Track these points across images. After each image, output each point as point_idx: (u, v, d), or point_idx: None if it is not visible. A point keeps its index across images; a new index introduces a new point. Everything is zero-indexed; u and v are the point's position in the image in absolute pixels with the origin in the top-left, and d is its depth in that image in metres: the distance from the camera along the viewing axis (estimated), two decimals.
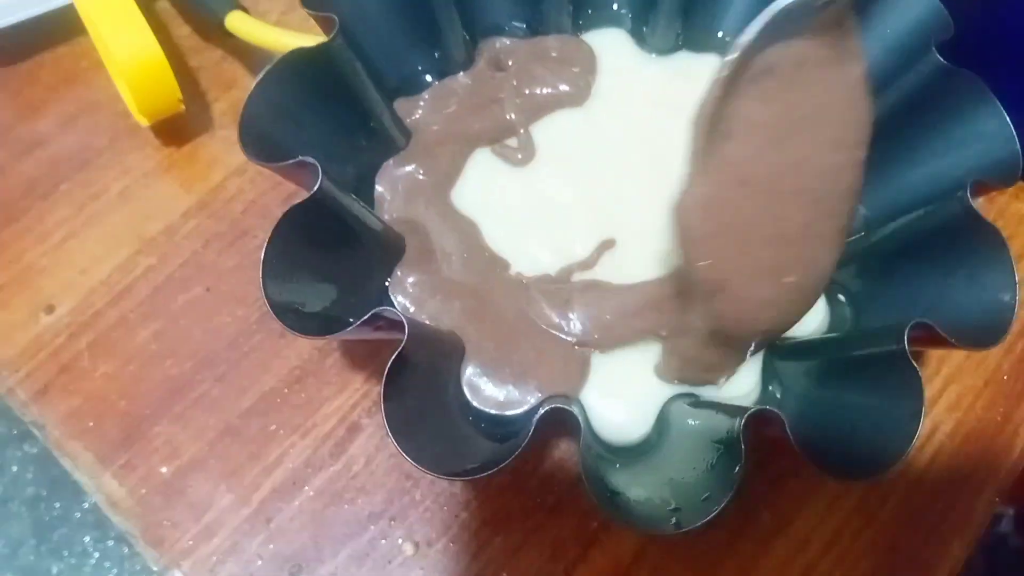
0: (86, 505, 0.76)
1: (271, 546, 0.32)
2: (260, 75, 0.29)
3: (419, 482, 0.33)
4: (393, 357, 0.25)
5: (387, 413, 0.24)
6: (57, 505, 0.75)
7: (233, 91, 0.41)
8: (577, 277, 0.32)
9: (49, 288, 0.36)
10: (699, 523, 0.24)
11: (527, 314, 0.31)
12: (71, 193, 0.38)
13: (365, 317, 0.25)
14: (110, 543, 0.75)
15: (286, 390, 0.34)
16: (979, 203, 0.29)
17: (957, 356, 0.36)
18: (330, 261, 0.29)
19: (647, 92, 0.36)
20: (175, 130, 0.39)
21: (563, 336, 0.31)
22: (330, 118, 0.31)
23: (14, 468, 0.77)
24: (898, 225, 0.31)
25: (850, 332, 0.31)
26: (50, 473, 0.75)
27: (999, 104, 0.29)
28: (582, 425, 0.25)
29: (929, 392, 0.35)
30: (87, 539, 0.75)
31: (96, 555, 0.74)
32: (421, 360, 0.27)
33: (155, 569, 0.32)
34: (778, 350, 0.31)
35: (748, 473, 0.32)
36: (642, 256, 0.33)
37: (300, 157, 0.27)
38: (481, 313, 0.31)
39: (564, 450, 0.33)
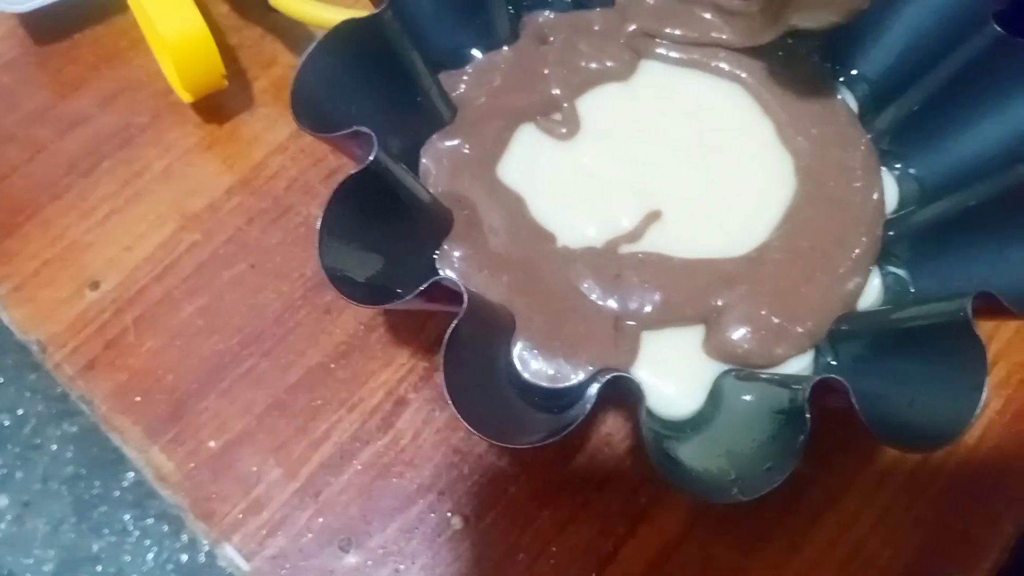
0: (126, 484, 0.77)
1: (320, 519, 0.32)
2: (311, 47, 0.29)
3: (467, 456, 0.33)
4: (452, 326, 0.25)
5: (447, 380, 0.24)
6: (97, 483, 0.76)
7: (273, 69, 0.41)
8: (624, 249, 0.32)
9: (94, 264, 0.36)
10: (764, 491, 0.24)
11: (576, 287, 0.31)
12: (113, 170, 0.38)
13: (424, 286, 0.25)
14: (150, 521, 0.75)
15: (332, 365, 0.34)
16: None
17: (1005, 332, 0.35)
18: (381, 233, 0.29)
19: (691, 61, 0.36)
20: (216, 108, 0.39)
21: (613, 310, 0.31)
22: (378, 91, 0.31)
23: (54, 447, 0.77)
24: (953, 198, 0.31)
25: (906, 304, 0.31)
26: (89, 452, 0.75)
27: None
28: (641, 394, 0.25)
29: None
30: (127, 517, 0.76)
31: (136, 533, 0.75)
32: (475, 331, 0.27)
33: (205, 543, 0.32)
34: (841, 321, 0.31)
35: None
36: (688, 228, 0.33)
37: (356, 127, 0.26)
38: (529, 287, 0.31)
39: (611, 425, 0.33)
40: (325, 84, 0.29)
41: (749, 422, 0.27)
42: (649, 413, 0.30)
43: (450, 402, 0.24)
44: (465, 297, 0.24)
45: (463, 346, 0.26)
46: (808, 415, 0.24)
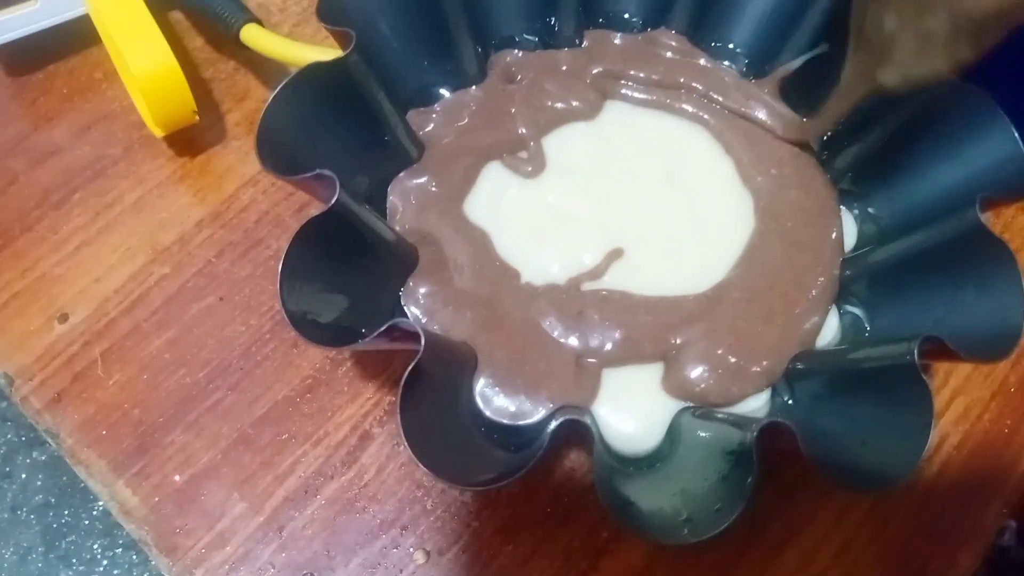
0: (95, 512, 0.76)
1: (283, 554, 0.32)
2: (276, 89, 0.29)
3: (430, 491, 0.33)
4: (410, 368, 0.25)
5: (403, 423, 0.24)
6: (66, 513, 0.75)
7: (246, 102, 0.41)
8: (586, 286, 0.32)
9: (63, 296, 0.37)
10: (711, 534, 0.24)
11: (538, 324, 0.31)
12: (85, 202, 0.39)
13: (382, 328, 0.25)
14: (119, 551, 0.75)
15: (299, 399, 0.34)
16: (986, 215, 0.29)
17: (964, 368, 0.36)
18: (345, 272, 0.29)
19: (653, 102, 0.36)
20: (188, 141, 0.40)
21: (574, 347, 0.31)
22: (345, 130, 0.32)
23: (23, 475, 0.77)
24: (909, 239, 0.31)
25: (861, 344, 0.32)
26: (59, 481, 0.75)
27: (1008, 121, 0.30)
28: (596, 436, 0.25)
29: (937, 404, 0.35)
30: (96, 547, 0.75)
31: (104, 563, 0.74)
32: (435, 371, 0.27)
33: (161, 574, 0.32)
34: (799, 359, 0.31)
35: (758, 484, 0.33)
36: (649, 265, 0.33)
37: (318, 170, 0.27)
38: (492, 324, 0.31)
39: (574, 460, 0.33)
40: (291, 126, 0.30)
41: (703, 461, 0.28)
42: (608, 450, 0.30)
43: (407, 446, 0.24)
44: (422, 340, 0.25)
45: (422, 387, 0.26)
46: (755, 457, 0.24)
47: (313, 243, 0.27)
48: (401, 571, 0.32)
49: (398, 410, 0.24)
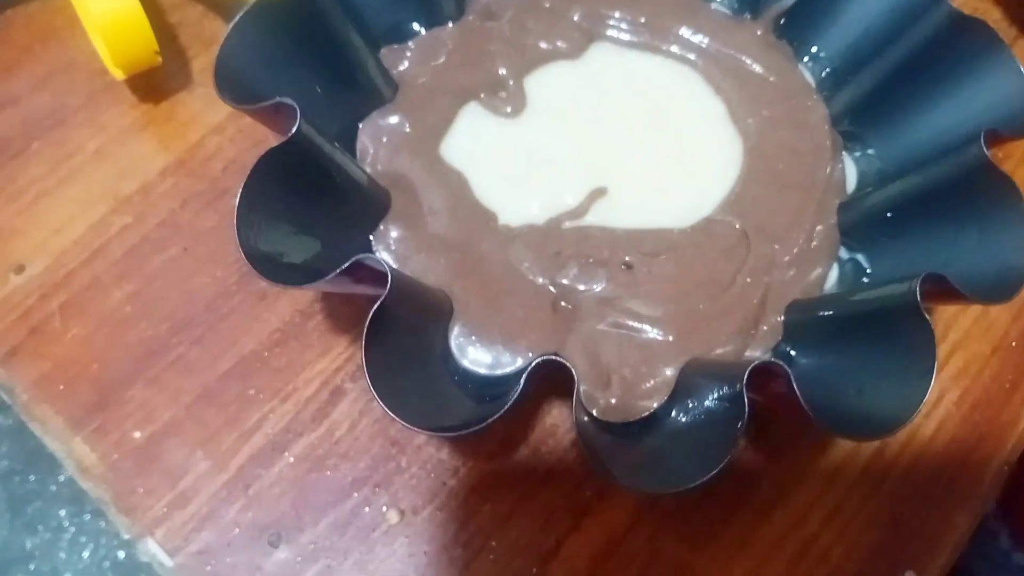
0: (62, 479, 0.74)
1: (249, 513, 0.30)
2: (236, 16, 0.28)
3: (405, 448, 0.31)
4: (375, 307, 0.23)
5: (368, 363, 0.22)
6: (32, 479, 0.73)
7: (213, 48, 0.38)
8: (566, 227, 0.31)
9: (20, 248, 0.35)
10: (699, 481, 0.23)
11: (515, 268, 0.29)
12: (44, 152, 0.37)
13: (345, 265, 0.23)
14: (86, 517, 0.73)
15: (266, 353, 0.33)
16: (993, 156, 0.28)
17: (964, 322, 0.34)
18: (311, 212, 0.28)
19: (643, 44, 0.35)
20: (153, 87, 0.38)
21: (552, 292, 0.29)
22: (311, 65, 0.30)
23: None
24: (910, 179, 0.30)
25: (861, 286, 0.30)
26: (25, 446, 0.73)
27: (1012, 53, 0.28)
28: (576, 379, 0.24)
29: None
30: (62, 513, 0.73)
31: (72, 529, 0.72)
32: (406, 314, 0.26)
33: (126, 537, 0.30)
34: (793, 308, 0.30)
35: (747, 443, 0.32)
36: (632, 205, 0.32)
37: (278, 98, 0.25)
38: (468, 269, 0.29)
39: (556, 416, 0.32)
40: (252, 57, 0.28)
41: (693, 408, 0.26)
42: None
43: (369, 383, 0.23)
44: (389, 277, 0.23)
45: (392, 329, 0.24)
46: (747, 399, 0.23)
47: (274, 177, 0.25)
48: (373, 531, 0.30)
49: (363, 348, 0.23)
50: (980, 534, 0.59)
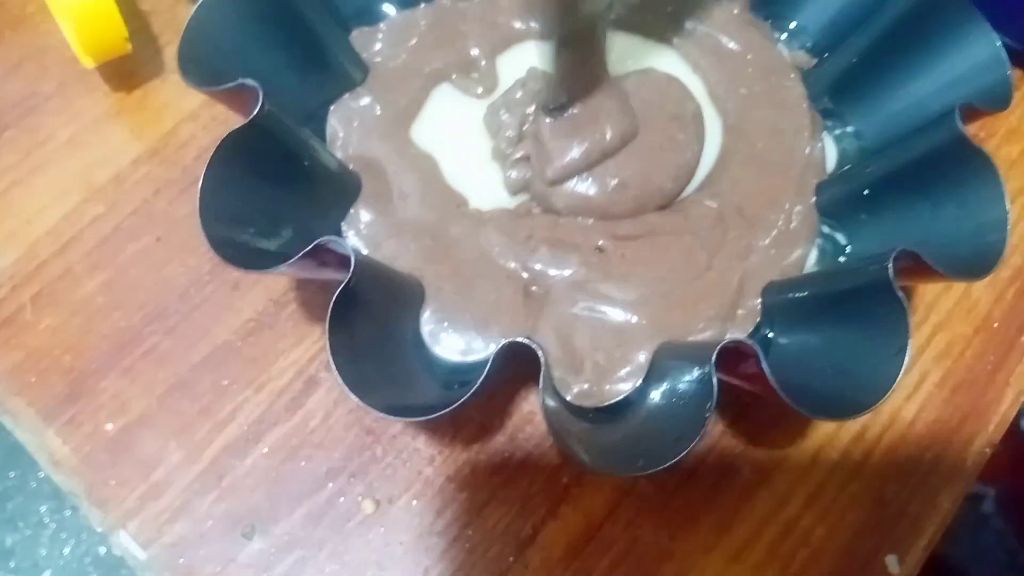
0: (42, 474, 0.73)
1: (223, 505, 0.30)
2: None
3: (380, 437, 0.31)
4: (340, 288, 0.23)
5: (332, 348, 0.22)
6: (12, 474, 0.73)
7: None
8: (537, 209, 0.30)
9: None
10: (667, 464, 0.23)
11: (486, 253, 0.29)
12: (16, 140, 0.36)
13: (307, 248, 0.23)
14: (67, 513, 0.72)
15: (240, 343, 0.32)
16: (971, 134, 0.27)
17: (946, 303, 0.34)
18: (280, 197, 0.27)
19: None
20: (125, 75, 0.37)
21: (523, 276, 0.29)
22: (280, 49, 0.30)
23: None
24: (888, 155, 0.29)
25: (836, 265, 0.30)
26: (5, 441, 0.72)
27: (988, 25, 0.28)
28: (543, 362, 0.23)
29: (917, 340, 0.33)
30: (43, 509, 0.72)
31: (52, 526, 0.72)
32: (375, 299, 0.25)
33: (99, 530, 0.30)
34: (770, 290, 0.29)
35: (727, 427, 0.31)
36: None
37: (240, 80, 0.25)
38: (439, 254, 0.29)
39: (533, 403, 0.31)
40: (220, 39, 0.28)
41: (663, 392, 0.26)
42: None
43: (333, 367, 0.22)
44: (352, 260, 0.23)
45: (358, 313, 0.24)
46: (715, 379, 0.22)
47: (239, 161, 0.25)
48: (348, 521, 0.30)
49: (326, 332, 0.22)
50: (982, 536, 0.59)
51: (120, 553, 0.30)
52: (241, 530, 0.30)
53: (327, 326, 0.23)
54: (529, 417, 0.31)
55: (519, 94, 0.31)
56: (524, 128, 0.30)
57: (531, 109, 0.30)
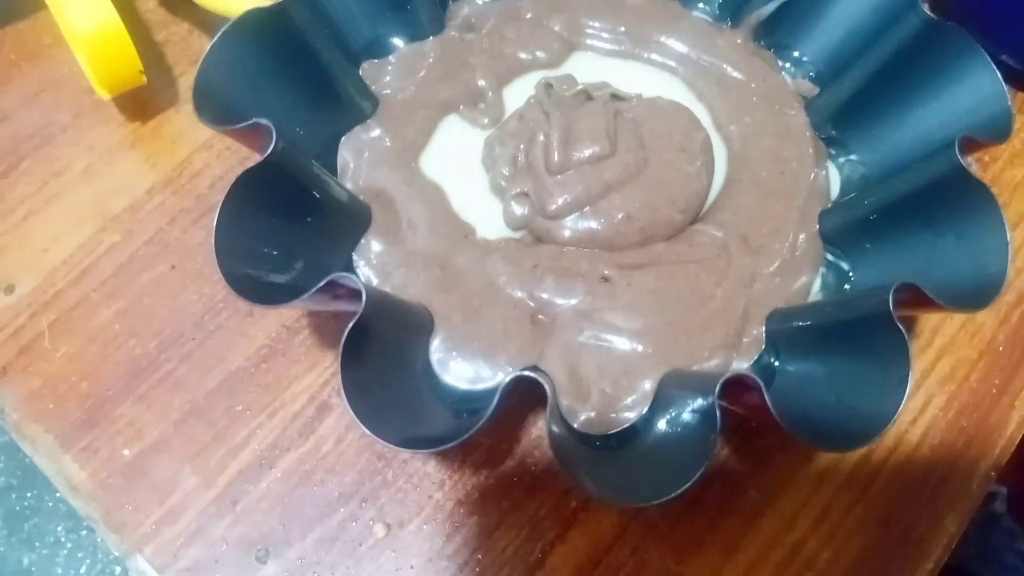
0: (58, 495, 0.74)
1: (237, 529, 0.30)
2: (216, 36, 0.28)
3: (391, 462, 0.31)
4: (352, 323, 0.23)
5: (345, 382, 0.23)
6: (29, 495, 0.74)
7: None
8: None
9: (9, 267, 0.35)
10: (673, 494, 0.23)
11: (493, 282, 0.30)
12: (33, 170, 0.37)
13: (320, 284, 0.23)
14: (83, 532, 0.73)
15: (253, 369, 0.33)
16: (973, 166, 0.28)
17: (950, 327, 0.34)
18: (292, 230, 0.28)
19: (625, 51, 0.35)
20: (140, 105, 0.38)
21: (530, 305, 0.29)
22: (291, 83, 0.30)
23: None
24: (890, 185, 0.30)
25: (838, 295, 0.30)
26: (21, 462, 0.73)
27: (988, 58, 0.28)
28: (549, 393, 0.24)
29: (921, 364, 0.34)
30: (59, 529, 0.73)
31: (69, 545, 0.73)
32: (385, 331, 0.26)
33: (116, 554, 0.31)
34: (773, 318, 0.30)
35: (732, 450, 0.32)
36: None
37: (254, 119, 0.25)
38: (447, 283, 0.30)
39: (541, 428, 0.32)
40: (232, 76, 0.28)
41: (668, 421, 0.26)
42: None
43: (347, 403, 0.23)
44: (363, 294, 0.23)
45: (370, 345, 0.24)
46: (719, 411, 0.23)
47: (253, 197, 0.26)
48: (360, 545, 0.30)
49: (339, 368, 0.23)
50: (992, 537, 0.59)
51: None
52: (255, 554, 0.30)
53: (340, 361, 0.23)
54: (537, 442, 0.32)
55: (513, 125, 0.31)
56: (520, 160, 0.31)
57: (527, 142, 0.31)
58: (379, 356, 0.26)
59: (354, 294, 0.24)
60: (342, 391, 0.23)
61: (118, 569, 0.73)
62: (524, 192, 0.30)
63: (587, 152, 0.30)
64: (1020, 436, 0.33)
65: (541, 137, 0.30)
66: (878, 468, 0.32)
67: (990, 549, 0.58)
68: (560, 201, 0.29)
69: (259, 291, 0.25)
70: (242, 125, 0.25)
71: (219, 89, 0.28)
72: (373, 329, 0.24)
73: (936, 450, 0.33)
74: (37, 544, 0.73)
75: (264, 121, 0.25)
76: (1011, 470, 0.33)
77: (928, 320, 0.34)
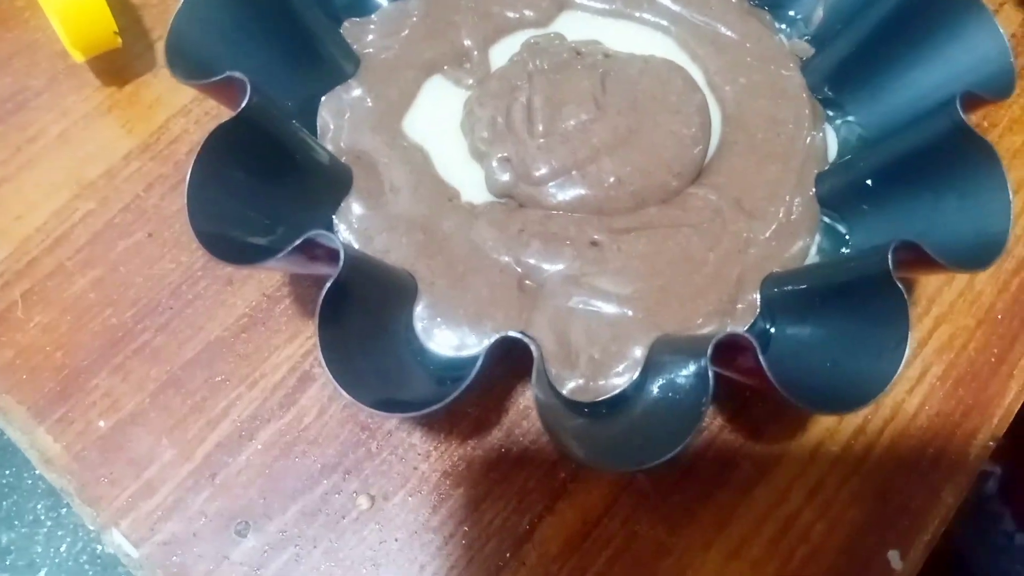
0: (38, 472, 0.73)
1: (216, 503, 0.30)
2: None
3: (375, 433, 0.30)
4: (330, 282, 0.22)
5: (320, 338, 0.22)
6: (7, 472, 0.72)
7: None
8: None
9: None
10: (662, 459, 0.22)
11: (479, 247, 0.29)
12: (6, 136, 0.36)
13: (296, 242, 0.23)
14: (63, 511, 0.72)
15: (232, 339, 0.32)
16: (973, 123, 0.27)
17: (948, 295, 0.34)
18: (270, 191, 0.27)
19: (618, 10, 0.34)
20: (116, 70, 0.37)
21: (517, 270, 0.28)
22: (269, 40, 0.29)
23: None
24: (889, 145, 0.29)
25: (835, 257, 0.29)
26: (0, 438, 0.72)
27: (991, 13, 0.27)
28: (535, 355, 0.23)
29: (919, 333, 0.33)
30: (39, 507, 0.72)
31: (49, 523, 0.71)
32: (367, 294, 0.25)
33: (91, 528, 0.30)
34: (768, 283, 0.29)
35: (726, 422, 0.31)
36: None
37: (228, 73, 0.24)
38: (431, 249, 0.29)
39: (529, 398, 0.31)
40: (206, 31, 0.27)
41: (659, 387, 0.25)
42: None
43: (322, 361, 0.22)
44: (341, 254, 0.22)
45: (349, 308, 0.24)
46: (711, 373, 0.22)
47: (228, 154, 0.24)
48: (343, 517, 0.29)
49: (316, 326, 0.22)
50: (980, 518, 0.58)
51: (113, 551, 0.30)
52: (235, 528, 0.29)
53: (317, 321, 0.22)
54: (525, 412, 0.31)
55: (494, 86, 0.30)
56: (499, 123, 0.30)
57: (508, 101, 0.30)
58: (359, 319, 0.25)
59: (332, 255, 0.23)
60: (319, 351, 0.22)
61: (99, 547, 0.72)
62: (506, 157, 0.29)
63: (572, 118, 0.29)
64: (1018, 407, 0.33)
65: (523, 99, 0.29)
66: (874, 440, 0.31)
67: (978, 530, 0.57)
68: (544, 167, 0.28)
69: (233, 252, 0.24)
70: (215, 79, 0.24)
71: (193, 44, 0.27)
72: (353, 292, 0.24)
73: (933, 420, 0.32)
74: (16, 523, 0.72)
75: (238, 75, 0.24)
76: (1002, 451, 0.32)
77: (925, 288, 0.34)
